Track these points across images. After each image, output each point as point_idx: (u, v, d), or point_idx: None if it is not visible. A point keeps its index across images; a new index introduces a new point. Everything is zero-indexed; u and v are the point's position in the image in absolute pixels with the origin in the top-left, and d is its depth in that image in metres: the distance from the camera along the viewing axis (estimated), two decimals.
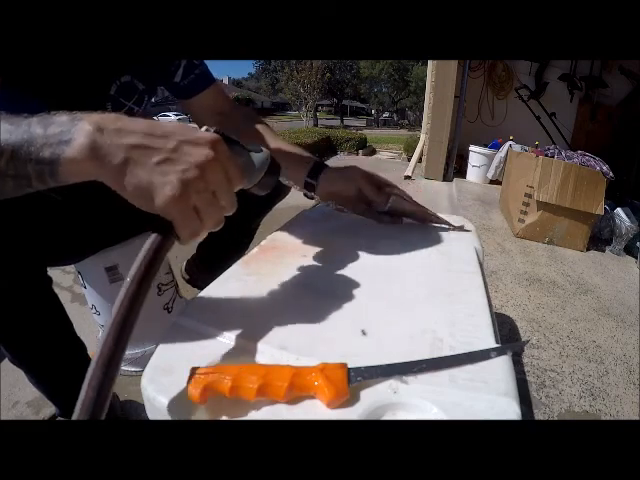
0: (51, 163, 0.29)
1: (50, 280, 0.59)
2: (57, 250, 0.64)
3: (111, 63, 0.60)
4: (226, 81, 41.92)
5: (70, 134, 0.29)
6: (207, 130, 0.34)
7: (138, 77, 0.66)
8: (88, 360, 0.70)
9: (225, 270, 0.49)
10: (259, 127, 0.70)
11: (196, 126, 0.35)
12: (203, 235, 0.33)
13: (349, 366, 0.31)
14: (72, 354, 0.65)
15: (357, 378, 0.31)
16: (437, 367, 0.33)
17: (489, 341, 0.37)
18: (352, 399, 0.30)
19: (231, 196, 0.34)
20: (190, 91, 0.71)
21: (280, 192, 0.83)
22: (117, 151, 0.30)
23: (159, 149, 0.30)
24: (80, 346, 0.67)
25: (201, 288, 0.45)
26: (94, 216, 0.71)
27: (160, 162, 0.30)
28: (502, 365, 0.33)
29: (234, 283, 0.46)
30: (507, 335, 1.27)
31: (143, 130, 0.31)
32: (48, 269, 0.59)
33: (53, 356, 0.61)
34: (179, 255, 1.08)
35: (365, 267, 0.51)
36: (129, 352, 0.94)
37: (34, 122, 0.30)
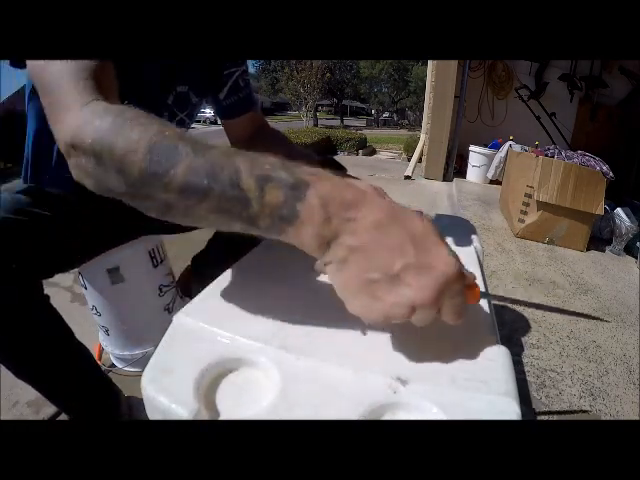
0: (268, 234, 0.27)
1: (47, 297, 0.58)
2: (60, 257, 0.64)
3: (171, 70, 0.61)
4: None
5: (295, 211, 0.25)
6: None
7: (193, 89, 0.66)
8: (93, 363, 0.70)
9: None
10: (283, 152, 0.70)
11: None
12: None
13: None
14: (76, 365, 0.65)
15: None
16: None
17: (489, 341, 0.37)
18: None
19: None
20: (230, 113, 0.72)
21: None
22: (338, 250, 0.26)
23: (379, 267, 0.25)
24: (83, 352, 0.66)
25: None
26: (97, 219, 0.71)
27: (373, 282, 0.25)
28: (502, 365, 0.33)
29: (234, 283, 0.46)
30: (507, 335, 1.27)
31: (369, 230, 0.25)
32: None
33: (58, 371, 0.61)
34: (180, 256, 1.08)
35: None
36: (130, 353, 0.94)
37: (244, 172, 0.26)
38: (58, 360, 0.60)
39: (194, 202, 0.27)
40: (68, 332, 0.61)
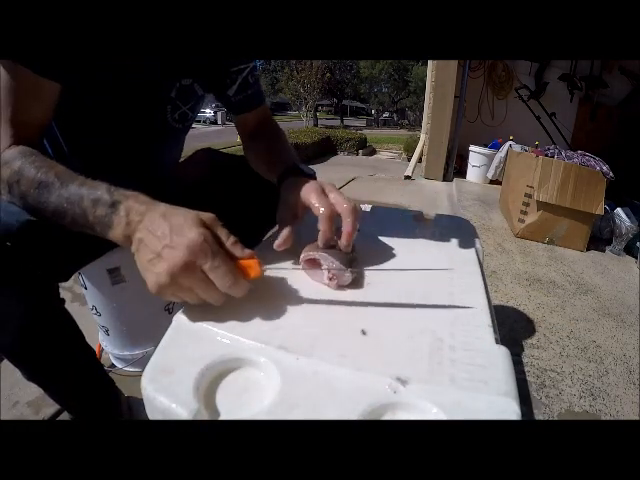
0: (102, 235, 0.41)
1: (63, 301, 0.59)
2: (74, 259, 0.64)
3: (174, 63, 0.62)
4: None
5: (111, 221, 0.39)
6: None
7: (198, 82, 0.67)
8: (97, 363, 0.70)
9: None
10: (278, 146, 0.70)
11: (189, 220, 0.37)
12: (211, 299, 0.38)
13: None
14: (85, 366, 0.65)
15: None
16: None
17: (489, 341, 0.37)
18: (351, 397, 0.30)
19: (218, 276, 0.36)
20: (239, 109, 0.73)
21: None
22: (134, 243, 0.38)
23: (152, 250, 0.37)
24: (91, 355, 0.67)
25: None
26: None
27: (150, 261, 0.36)
28: (502, 365, 0.33)
29: None
30: (507, 335, 1.27)
31: (147, 227, 0.37)
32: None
33: (69, 372, 0.61)
34: None
35: (365, 266, 0.51)
36: (130, 353, 0.94)
37: (85, 197, 0.41)
38: (70, 361, 0.61)
39: (60, 218, 0.42)
40: (80, 334, 0.62)
